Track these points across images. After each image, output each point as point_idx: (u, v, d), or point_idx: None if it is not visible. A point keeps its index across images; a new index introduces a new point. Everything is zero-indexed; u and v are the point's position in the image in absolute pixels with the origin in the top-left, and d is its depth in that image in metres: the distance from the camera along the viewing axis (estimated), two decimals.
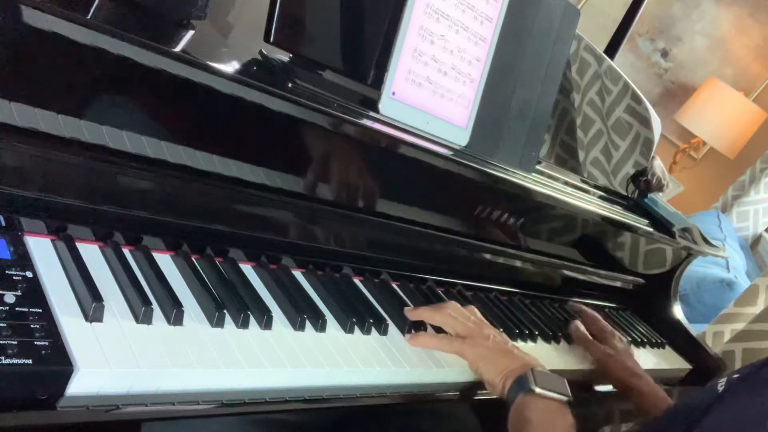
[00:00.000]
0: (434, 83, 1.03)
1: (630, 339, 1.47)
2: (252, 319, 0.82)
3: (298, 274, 0.97)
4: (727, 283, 2.27)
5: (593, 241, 1.46)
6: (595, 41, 1.57)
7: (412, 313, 1.01)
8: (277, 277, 0.92)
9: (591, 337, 1.25)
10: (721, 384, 0.75)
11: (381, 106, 0.97)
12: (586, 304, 1.53)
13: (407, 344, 0.97)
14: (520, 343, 1.14)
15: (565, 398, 0.91)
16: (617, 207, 1.44)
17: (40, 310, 0.65)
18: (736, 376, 0.75)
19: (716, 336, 1.72)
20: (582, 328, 1.26)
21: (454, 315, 1.00)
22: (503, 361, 0.95)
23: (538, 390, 0.89)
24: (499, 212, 1.20)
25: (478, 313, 1.05)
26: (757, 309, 1.67)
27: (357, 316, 0.93)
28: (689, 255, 1.63)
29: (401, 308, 1.03)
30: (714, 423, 0.71)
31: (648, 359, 1.47)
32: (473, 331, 0.99)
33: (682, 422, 0.74)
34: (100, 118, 0.73)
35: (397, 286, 1.10)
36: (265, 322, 0.82)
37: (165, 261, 0.83)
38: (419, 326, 1.00)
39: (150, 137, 0.77)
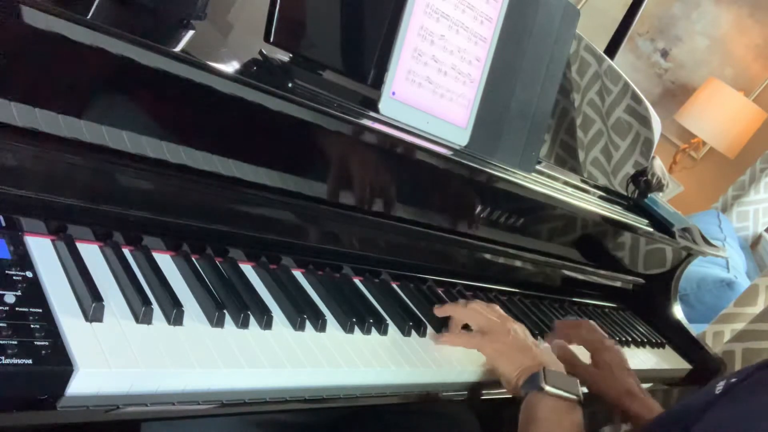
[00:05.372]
0: (434, 83, 1.03)
1: (630, 339, 1.47)
2: (252, 319, 0.82)
3: (298, 274, 0.97)
4: (727, 283, 2.27)
5: (593, 241, 1.46)
6: (595, 41, 1.57)
7: (439, 310, 1.05)
8: (277, 277, 0.92)
9: (577, 360, 1.12)
10: (719, 386, 0.76)
11: (381, 106, 0.97)
12: (586, 304, 1.53)
13: (407, 344, 0.97)
14: None
15: (574, 398, 0.92)
16: (617, 207, 1.44)
17: (40, 310, 0.65)
18: (734, 379, 0.76)
19: (716, 336, 1.72)
20: (567, 347, 1.13)
21: (478, 310, 1.02)
22: (519, 358, 0.96)
23: (547, 388, 0.90)
24: (499, 212, 1.20)
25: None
26: (757, 309, 1.67)
27: (357, 316, 0.93)
28: (689, 255, 1.63)
29: (401, 308, 1.03)
30: (711, 422, 0.71)
31: (648, 359, 1.47)
32: (495, 326, 1.00)
33: (680, 423, 0.74)
34: (100, 118, 0.73)
35: (397, 286, 1.10)
36: (265, 322, 0.82)
37: (165, 261, 0.83)
38: (420, 326, 1.00)
39: (150, 137, 0.77)
